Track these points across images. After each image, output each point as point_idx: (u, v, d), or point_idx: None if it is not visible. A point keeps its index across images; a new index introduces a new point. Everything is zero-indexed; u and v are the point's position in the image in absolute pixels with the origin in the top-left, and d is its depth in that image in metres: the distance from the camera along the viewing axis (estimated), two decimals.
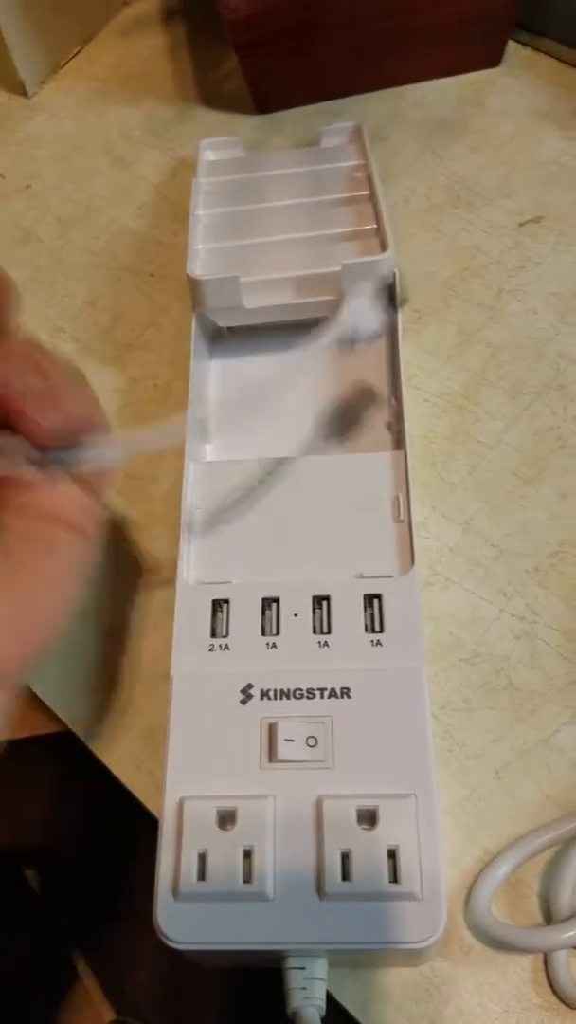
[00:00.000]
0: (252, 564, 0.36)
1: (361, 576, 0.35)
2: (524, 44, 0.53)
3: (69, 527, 0.29)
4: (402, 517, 0.36)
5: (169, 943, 0.29)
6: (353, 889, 0.28)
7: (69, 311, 0.48)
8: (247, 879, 0.29)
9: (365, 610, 0.34)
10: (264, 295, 0.40)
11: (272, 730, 0.32)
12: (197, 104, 0.56)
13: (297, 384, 0.43)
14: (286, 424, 0.41)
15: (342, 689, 0.32)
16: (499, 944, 0.31)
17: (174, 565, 0.36)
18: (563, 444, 0.40)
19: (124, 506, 0.41)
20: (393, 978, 0.31)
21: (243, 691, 0.33)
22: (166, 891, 0.29)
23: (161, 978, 0.55)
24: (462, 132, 0.51)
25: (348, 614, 0.34)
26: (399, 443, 0.38)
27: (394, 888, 0.28)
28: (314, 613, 0.34)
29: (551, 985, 0.31)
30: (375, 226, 0.42)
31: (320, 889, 0.29)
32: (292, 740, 0.31)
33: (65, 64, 0.60)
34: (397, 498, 0.36)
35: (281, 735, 0.31)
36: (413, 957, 0.30)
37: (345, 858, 0.29)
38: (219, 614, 0.35)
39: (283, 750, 0.31)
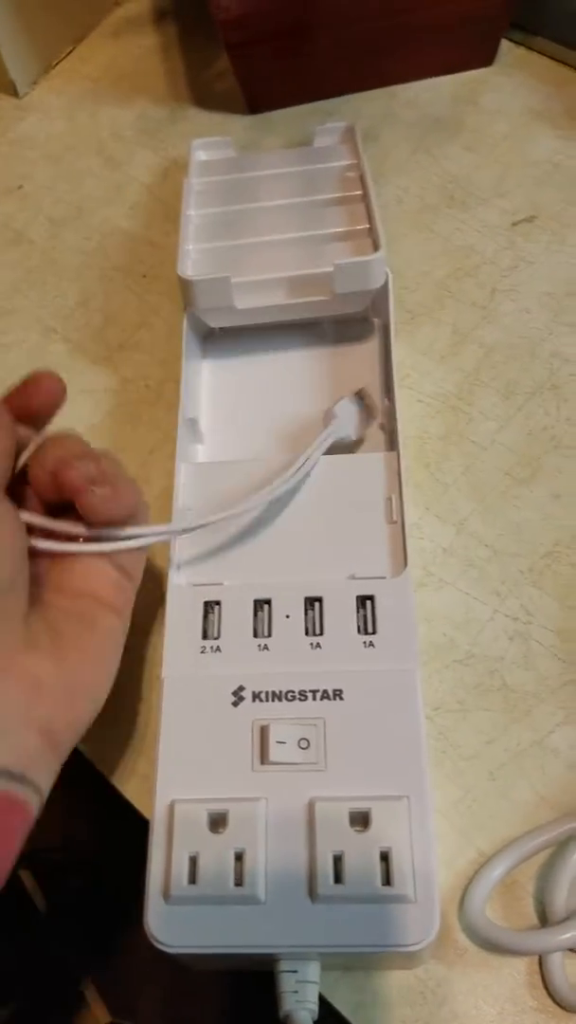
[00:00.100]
0: (244, 565, 0.36)
1: (354, 577, 0.35)
2: (518, 43, 0.53)
3: (107, 606, 0.31)
4: (395, 518, 0.36)
5: (160, 947, 0.29)
6: (346, 891, 0.28)
7: (61, 311, 0.48)
8: (238, 882, 0.29)
9: (358, 611, 0.34)
10: (255, 296, 0.40)
11: (264, 732, 0.31)
12: (189, 104, 0.55)
13: (289, 385, 0.43)
14: (278, 425, 0.41)
15: (334, 691, 0.32)
16: (494, 946, 0.31)
17: (166, 567, 0.35)
18: (557, 444, 0.40)
19: None
20: (387, 981, 0.31)
21: (235, 693, 0.33)
22: (156, 894, 0.29)
23: (157, 981, 0.55)
24: (455, 131, 0.51)
25: (340, 615, 0.34)
26: (392, 444, 0.38)
27: (387, 890, 0.28)
28: (306, 615, 0.34)
29: (546, 988, 0.31)
30: (367, 226, 0.41)
31: (312, 891, 0.28)
32: (284, 742, 0.31)
33: (57, 64, 0.59)
34: (390, 499, 0.36)
35: (273, 737, 0.31)
36: (407, 960, 0.30)
37: (337, 860, 0.29)
38: (211, 616, 0.34)
39: (275, 752, 0.31)
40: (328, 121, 0.50)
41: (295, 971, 0.29)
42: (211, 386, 0.43)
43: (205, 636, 0.34)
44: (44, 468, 0.32)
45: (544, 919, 0.31)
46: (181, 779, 0.31)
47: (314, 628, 0.34)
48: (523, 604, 0.37)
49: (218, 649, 0.34)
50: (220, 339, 0.44)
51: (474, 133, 0.50)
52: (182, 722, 0.32)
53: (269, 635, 0.34)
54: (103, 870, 0.53)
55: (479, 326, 0.44)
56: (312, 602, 0.34)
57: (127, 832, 0.33)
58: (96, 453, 0.32)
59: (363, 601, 0.34)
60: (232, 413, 0.42)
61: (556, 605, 0.36)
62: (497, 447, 0.40)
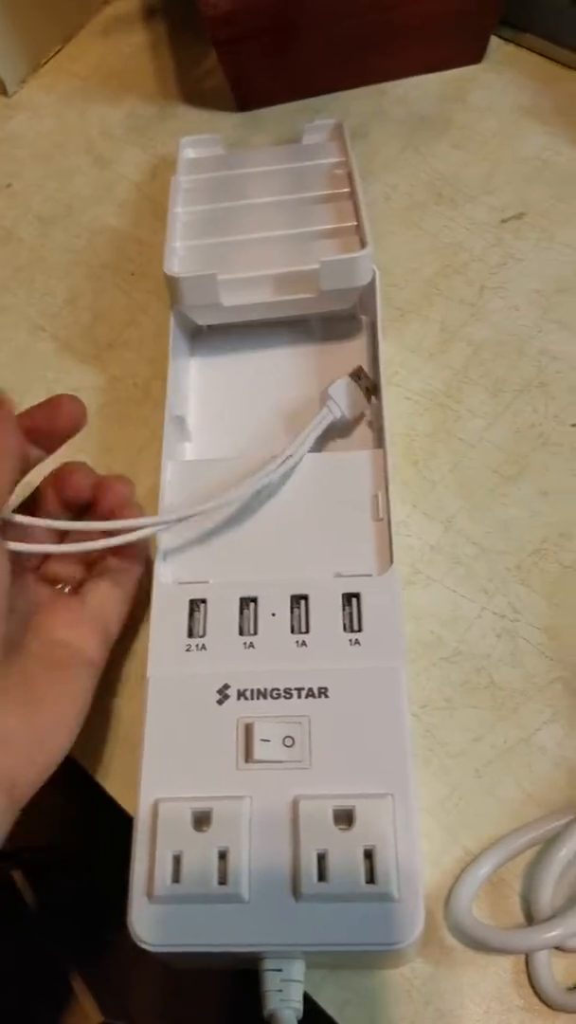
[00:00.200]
0: (230, 563, 0.36)
1: (340, 575, 0.35)
2: (507, 40, 0.53)
3: (84, 658, 0.32)
4: (381, 516, 0.36)
5: (143, 946, 0.28)
6: (329, 890, 0.28)
7: (49, 309, 0.48)
8: (222, 880, 0.29)
9: (344, 609, 0.34)
10: (242, 293, 0.40)
11: (249, 730, 0.31)
12: (178, 102, 0.55)
13: (278, 382, 0.42)
14: (266, 422, 0.41)
15: (320, 689, 0.32)
16: (480, 945, 0.31)
17: (151, 565, 0.35)
18: (544, 441, 0.40)
19: None
20: (373, 979, 0.31)
21: (220, 691, 0.32)
22: (140, 893, 0.29)
23: (148, 979, 0.54)
24: (444, 129, 0.50)
25: (326, 613, 0.34)
26: (379, 441, 0.38)
27: (371, 889, 0.28)
28: (292, 612, 0.34)
29: (532, 986, 0.30)
30: (355, 223, 0.41)
31: (296, 890, 0.28)
32: (268, 740, 0.31)
33: (46, 63, 0.59)
34: (376, 497, 0.36)
35: (258, 735, 0.31)
36: (391, 958, 0.30)
37: (321, 859, 0.29)
38: (196, 614, 0.34)
39: (260, 750, 0.31)
40: (317, 118, 0.50)
41: (279, 970, 0.29)
42: (199, 384, 0.43)
43: (191, 634, 0.34)
44: (58, 492, 0.35)
45: (530, 917, 0.31)
46: (165, 778, 0.31)
47: (300, 626, 0.34)
48: (510, 601, 0.36)
49: (203, 647, 0.33)
50: (209, 337, 0.44)
51: (463, 130, 0.50)
52: (167, 721, 0.32)
53: (255, 633, 0.34)
54: (94, 869, 0.53)
55: (467, 323, 0.44)
56: (298, 600, 0.34)
57: (118, 830, 0.33)
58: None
59: (349, 599, 0.34)
60: (221, 411, 0.42)
61: (543, 602, 0.36)
62: (485, 444, 0.40)
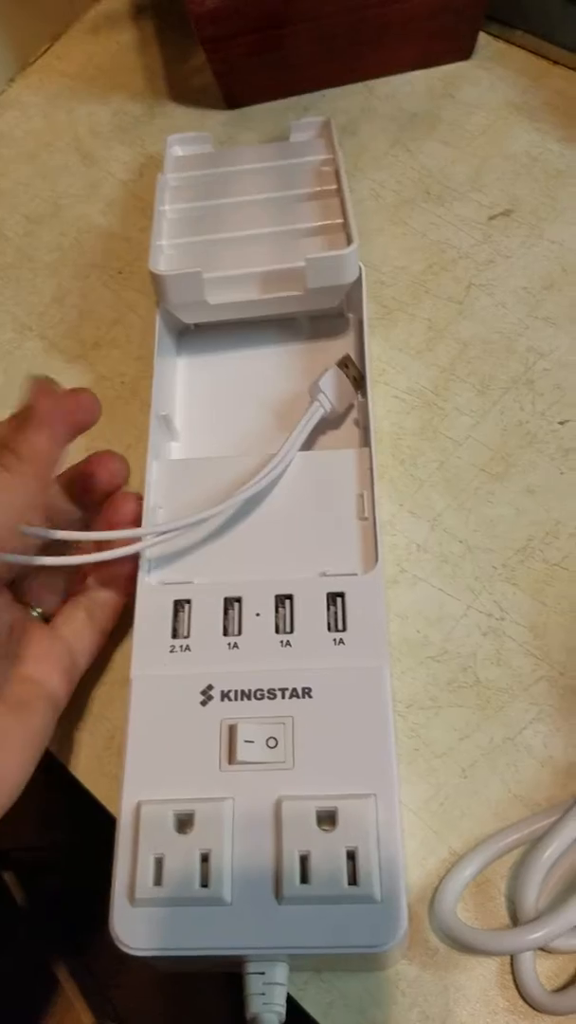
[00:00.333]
0: (214, 563, 0.35)
1: (324, 574, 0.34)
2: (495, 36, 0.53)
3: (49, 696, 0.32)
4: (366, 514, 0.35)
5: (125, 949, 0.28)
6: (311, 892, 0.28)
7: (36, 308, 0.48)
8: (204, 883, 0.28)
9: (328, 609, 0.33)
10: (228, 291, 0.40)
11: (232, 732, 0.31)
12: (166, 99, 0.55)
13: (265, 380, 0.42)
14: (254, 421, 0.41)
15: (303, 689, 0.32)
16: (465, 947, 0.30)
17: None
18: (532, 439, 0.40)
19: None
20: (357, 982, 0.31)
21: (203, 692, 0.32)
22: (122, 897, 0.29)
23: (140, 981, 0.54)
24: (433, 125, 0.50)
25: (311, 613, 0.33)
26: (365, 440, 0.38)
27: (353, 891, 0.28)
28: (277, 612, 0.34)
29: (517, 988, 0.30)
30: (341, 220, 0.41)
31: (278, 892, 0.28)
32: (252, 741, 0.31)
33: (35, 61, 0.59)
34: (362, 496, 0.36)
35: (241, 736, 0.31)
36: (375, 961, 0.30)
37: (304, 860, 0.29)
38: (180, 614, 0.34)
39: (243, 751, 0.31)
40: (306, 116, 0.50)
41: (262, 973, 0.28)
42: (186, 383, 0.43)
43: (175, 635, 0.34)
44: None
45: (515, 918, 0.31)
46: (148, 780, 0.31)
47: (284, 626, 0.33)
48: (496, 600, 0.36)
49: (187, 648, 0.33)
50: (195, 335, 0.44)
51: (452, 127, 0.50)
52: (150, 722, 0.32)
53: (239, 633, 0.33)
54: (84, 870, 0.53)
55: (455, 321, 0.43)
56: (283, 600, 0.34)
57: (109, 831, 0.32)
58: None
59: (333, 598, 0.34)
60: (208, 409, 0.42)
61: (529, 601, 0.36)
62: (472, 442, 0.40)
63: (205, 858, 0.29)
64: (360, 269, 0.39)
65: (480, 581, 0.37)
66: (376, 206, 0.48)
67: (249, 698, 0.32)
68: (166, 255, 0.42)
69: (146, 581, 0.35)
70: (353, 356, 0.41)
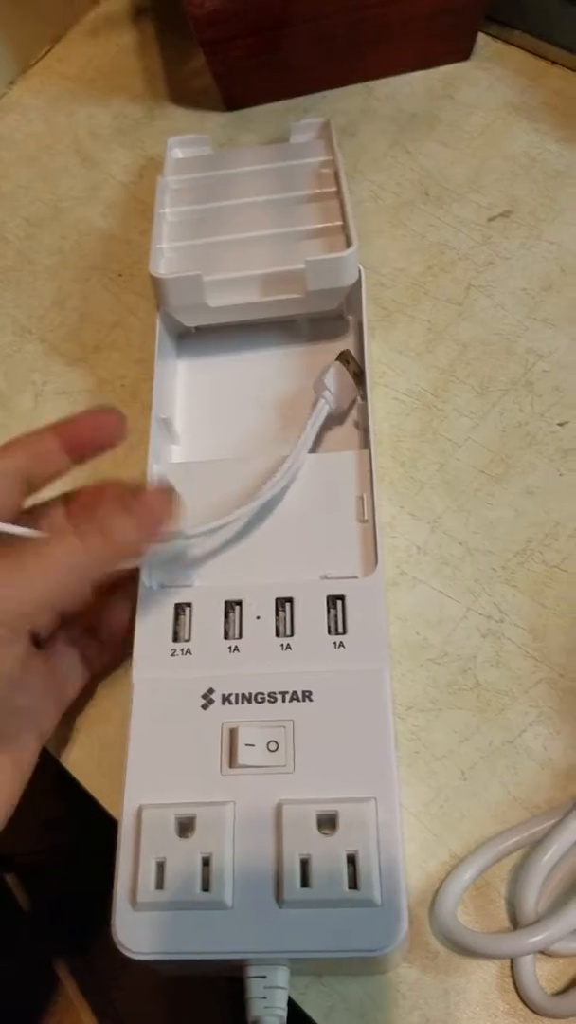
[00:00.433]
0: (215, 567, 0.35)
1: (325, 577, 0.34)
2: (494, 36, 0.53)
3: (36, 729, 0.32)
4: (366, 517, 0.35)
5: (127, 953, 0.28)
6: (312, 896, 0.28)
7: (36, 311, 0.48)
8: (205, 887, 0.29)
9: (328, 612, 0.33)
10: (228, 294, 0.40)
11: (233, 735, 0.31)
12: (167, 102, 0.55)
13: (266, 383, 0.42)
14: (254, 424, 0.41)
15: (304, 692, 0.32)
16: (465, 950, 0.31)
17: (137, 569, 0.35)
18: (531, 441, 0.40)
19: None
20: (358, 985, 0.31)
21: (204, 696, 0.32)
22: (124, 901, 0.29)
23: (142, 984, 0.54)
24: (432, 126, 0.50)
25: (311, 616, 0.33)
26: (365, 442, 0.38)
27: (353, 894, 0.28)
28: (277, 615, 0.34)
29: (517, 991, 0.30)
30: (341, 223, 0.41)
31: (279, 896, 0.28)
32: (253, 745, 0.31)
33: (35, 64, 0.59)
34: (362, 498, 0.36)
35: (241, 740, 0.31)
36: (376, 964, 0.30)
37: (304, 864, 0.29)
38: (181, 618, 0.34)
39: (243, 755, 0.31)
40: (305, 117, 0.50)
41: (263, 976, 0.29)
42: (187, 386, 0.43)
43: (176, 639, 0.34)
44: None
45: (516, 921, 0.31)
46: (150, 784, 0.31)
47: (285, 629, 0.33)
48: (496, 602, 0.36)
49: (188, 651, 0.33)
50: (196, 338, 0.44)
51: (451, 127, 0.50)
52: (151, 726, 0.32)
53: (240, 637, 0.33)
54: (85, 873, 0.53)
55: (454, 322, 0.43)
56: (283, 603, 0.34)
57: (111, 834, 0.33)
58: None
59: (333, 601, 0.34)
60: (208, 413, 0.42)
61: (529, 603, 0.36)
62: (471, 444, 0.40)
63: (206, 862, 0.29)
64: (360, 271, 0.39)
65: (480, 583, 0.37)
66: (375, 208, 0.48)
67: (250, 701, 0.32)
68: (166, 258, 0.42)
69: (147, 584, 0.35)
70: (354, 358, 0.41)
